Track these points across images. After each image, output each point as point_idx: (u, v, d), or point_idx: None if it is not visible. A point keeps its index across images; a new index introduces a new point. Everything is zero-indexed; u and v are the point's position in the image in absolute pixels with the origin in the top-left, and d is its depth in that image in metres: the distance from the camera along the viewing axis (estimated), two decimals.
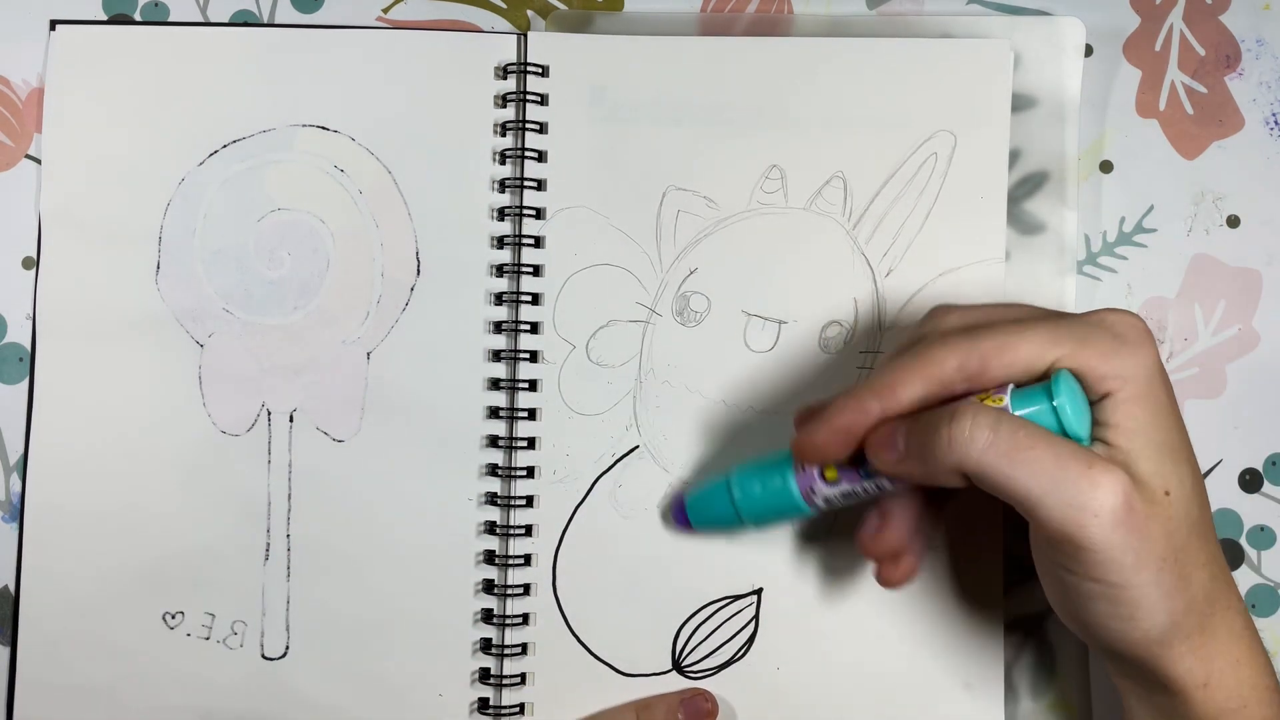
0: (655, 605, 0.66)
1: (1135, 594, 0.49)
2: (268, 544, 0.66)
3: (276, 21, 0.69)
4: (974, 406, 0.49)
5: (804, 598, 0.66)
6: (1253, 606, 0.68)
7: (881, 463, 0.53)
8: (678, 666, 0.66)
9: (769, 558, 0.66)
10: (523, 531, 0.66)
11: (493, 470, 0.66)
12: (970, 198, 0.66)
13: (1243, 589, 0.68)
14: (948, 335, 0.51)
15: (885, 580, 0.57)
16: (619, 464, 0.66)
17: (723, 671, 0.66)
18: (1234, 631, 0.52)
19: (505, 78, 0.67)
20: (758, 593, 0.66)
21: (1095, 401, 0.50)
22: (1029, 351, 0.49)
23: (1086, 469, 0.47)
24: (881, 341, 0.66)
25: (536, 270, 0.66)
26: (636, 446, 0.66)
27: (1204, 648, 0.51)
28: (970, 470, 0.49)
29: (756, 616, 0.66)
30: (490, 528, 0.66)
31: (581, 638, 0.66)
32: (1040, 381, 0.50)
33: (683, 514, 0.63)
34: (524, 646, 0.66)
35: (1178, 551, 0.49)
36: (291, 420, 0.66)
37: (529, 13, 0.69)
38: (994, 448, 0.48)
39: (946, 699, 0.65)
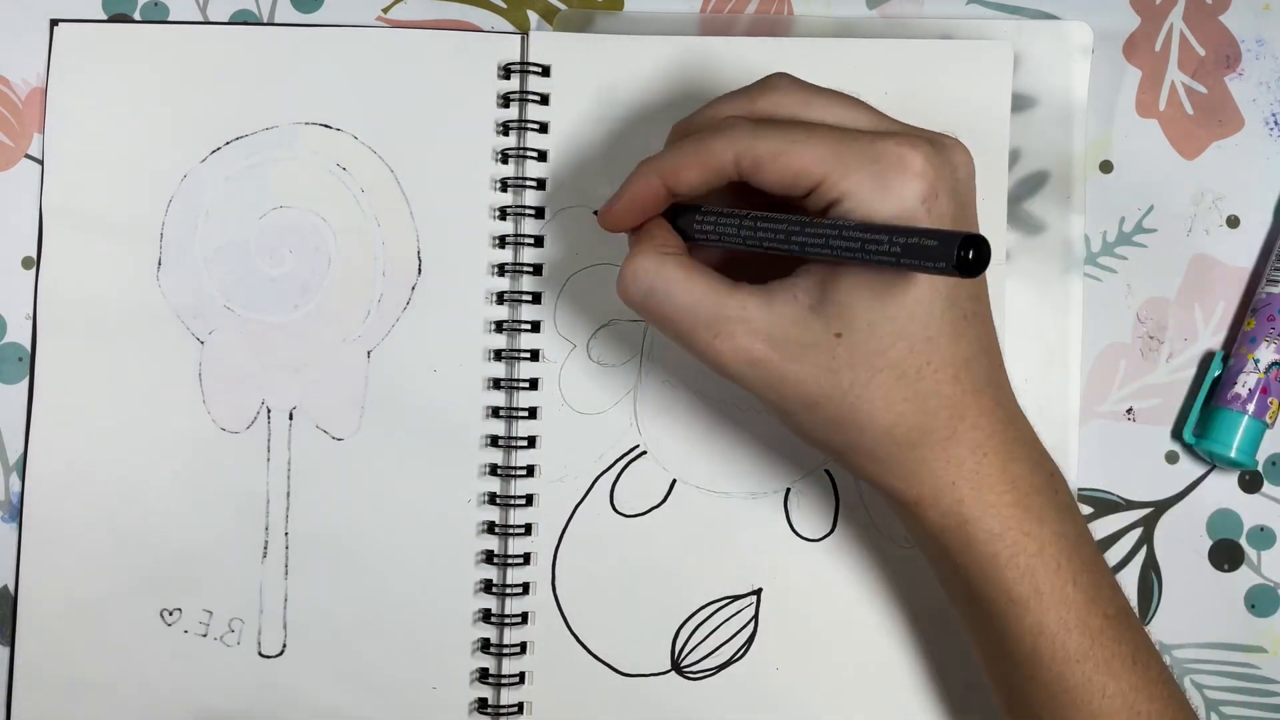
0: (654, 605, 0.66)
1: (790, 421, 0.54)
2: (266, 542, 0.66)
3: (276, 21, 0.68)
4: (638, 257, 0.54)
5: (803, 598, 0.66)
6: (1252, 607, 0.68)
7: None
8: (677, 666, 0.66)
9: (768, 558, 0.66)
10: (522, 531, 0.66)
11: (492, 470, 0.66)
12: None
13: (1243, 589, 0.68)
14: (737, 126, 0.52)
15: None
16: (619, 463, 0.66)
17: (722, 672, 0.66)
18: (950, 458, 0.53)
19: (507, 77, 0.67)
20: (757, 593, 0.66)
21: None
22: (799, 165, 0.49)
23: (711, 337, 0.52)
24: None
25: (537, 269, 0.66)
26: (637, 446, 0.66)
27: (906, 469, 0.53)
28: (633, 309, 0.55)
29: (756, 617, 0.66)
30: (490, 527, 0.66)
31: (580, 637, 0.66)
32: (811, 195, 0.50)
33: None
34: (523, 646, 0.66)
35: (849, 387, 0.51)
36: (291, 418, 0.66)
37: (529, 12, 0.69)
38: (646, 310, 0.54)
39: (946, 700, 0.65)
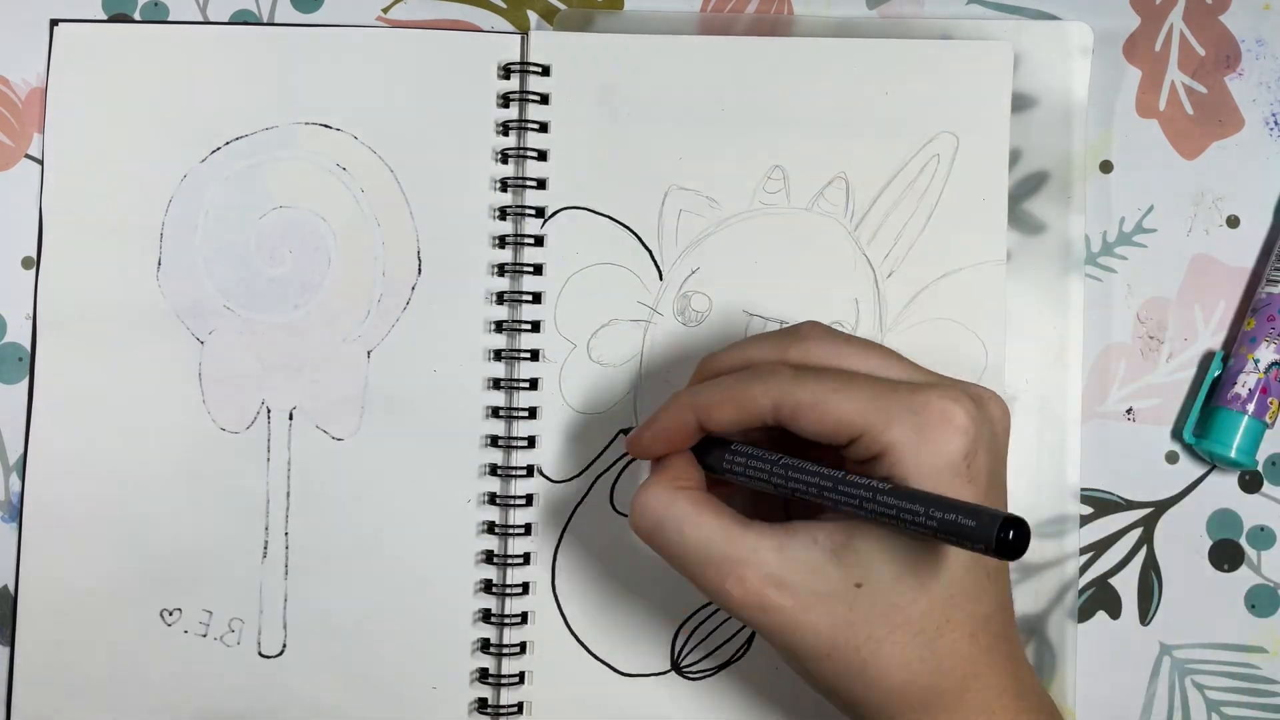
0: (654, 605, 0.66)
1: (801, 668, 0.52)
2: (266, 542, 0.66)
3: (276, 21, 0.68)
4: (651, 493, 0.53)
5: None
6: (1252, 607, 0.68)
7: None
8: (676, 667, 0.66)
9: None
10: (522, 531, 0.66)
11: (493, 470, 0.66)
12: (972, 199, 0.66)
13: (1243, 589, 0.68)
14: (777, 372, 0.51)
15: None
16: (619, 464, 0.66)
17: (721, 672, 0.66)
18: (973, 711, 0.51)
19: (507, 77, 0.67)
20: None
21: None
22: (840, 415, 0.49)
23: (720, 579, 0.50)
24: (882, 343, 0.65)
25: (537, 269, 0.66)
26: None
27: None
28: (643, 540, 0.54)
29: None
30: (490, 527, 0.66)
31: (580, 637, 0.66)
32: (851, 445, 0.50)
33: None
34: (523, 646, 0.66)
35: (865, 639, 0.49)
36: (291, 418, 0.66)
37: (529, 12, 0.69)
38: (654, 544, 0.53)
39: None
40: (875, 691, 0.50)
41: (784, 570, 0.49)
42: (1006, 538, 0.43)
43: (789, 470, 0.51)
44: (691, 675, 0.66)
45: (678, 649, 0.66)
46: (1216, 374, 0.67)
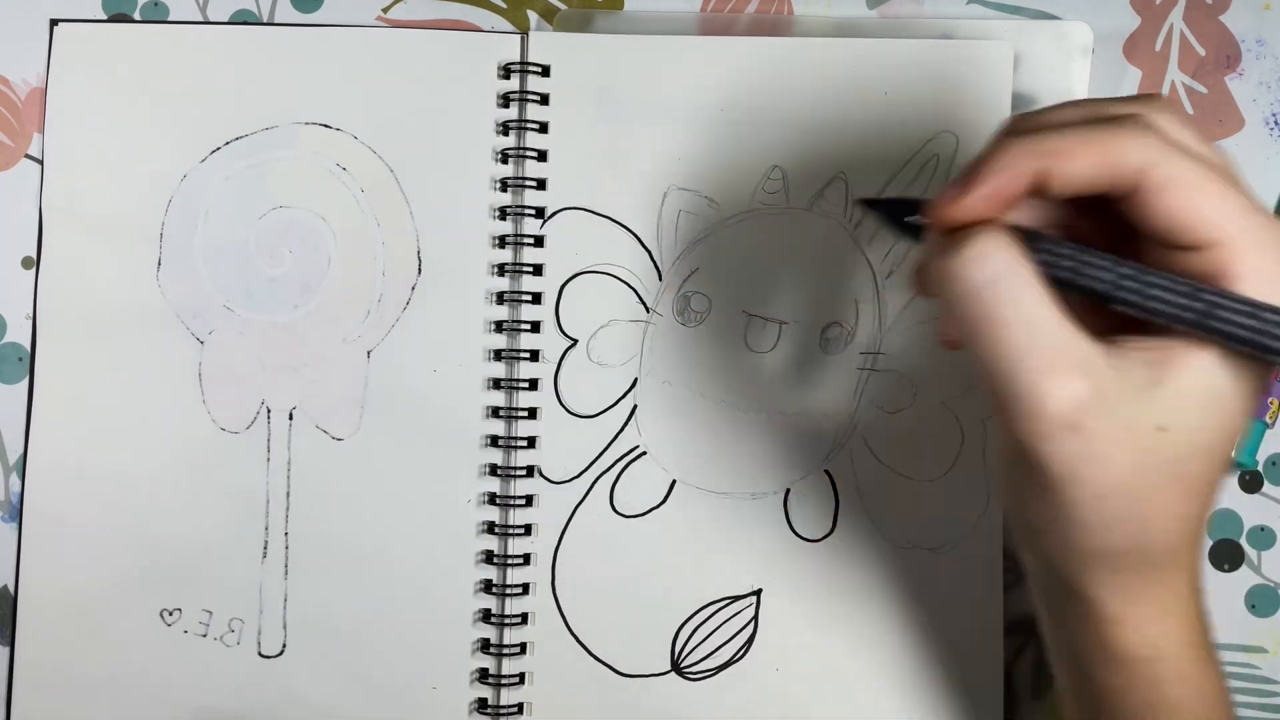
0: (654, 605, 0.66)
1: (1064, 507, 0.45)
2: (266, 541, 0.66)
3: (276, 21, 0.68)
4: (982, 245, 0.43)
5: (803, 599, 0.66)
6: (1252, 607, 0.68)
7: (916, 284, 0.50)
8: (677, 667, 0.66)
9: (768, 558, 0.66)
10: (522, 531, 0.66)
11: (493, 470, 0.66)
12: None
13: (1243, 589, 0.68)
14: (1148, 133, 0.43)
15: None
16: (619, 464, 0.66)
17: (722, 672, 0.66)
18: (1174, 589, 0.47)
19: (507, 77, 0.67)
20: (757, 594, 0.66)
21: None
22: (1206, 213, 0.43)
23: (1048, 372, 0.42)
24: (882, 343, 0.66)
25: (537, 269, 0.66)
26: (637, 446, 0.66)
27: (1137, 589, 0.47)
28: (949, 304, 0.44)
29: (756, 617, 0.66)
30: (490, 527, 0.66)
31: (580, 638, 0.66)
32: (1191, 253, 0.43)
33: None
34: (523, 646, 0.66)
35: (1143, 489, 0.44)
36: (291, 418, 0.66)
37: (529, 12, 0.69)
38: (975, 300, 0.43)
39: (946, 700, 0.65)
40: (1126, 544, 0.45)
41: (1109, 389, 0.43)
42: None
43: (1141, 274, 0.43)
44: (692, 676, 0.66)
45: (677, 649, 0.66)
46: None
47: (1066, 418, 0.42)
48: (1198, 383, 0.43)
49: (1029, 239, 0.44)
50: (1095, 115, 0.45)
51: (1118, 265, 0.43)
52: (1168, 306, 0.42)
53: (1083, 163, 0.43)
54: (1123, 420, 0.43)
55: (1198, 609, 0.49)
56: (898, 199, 0.50)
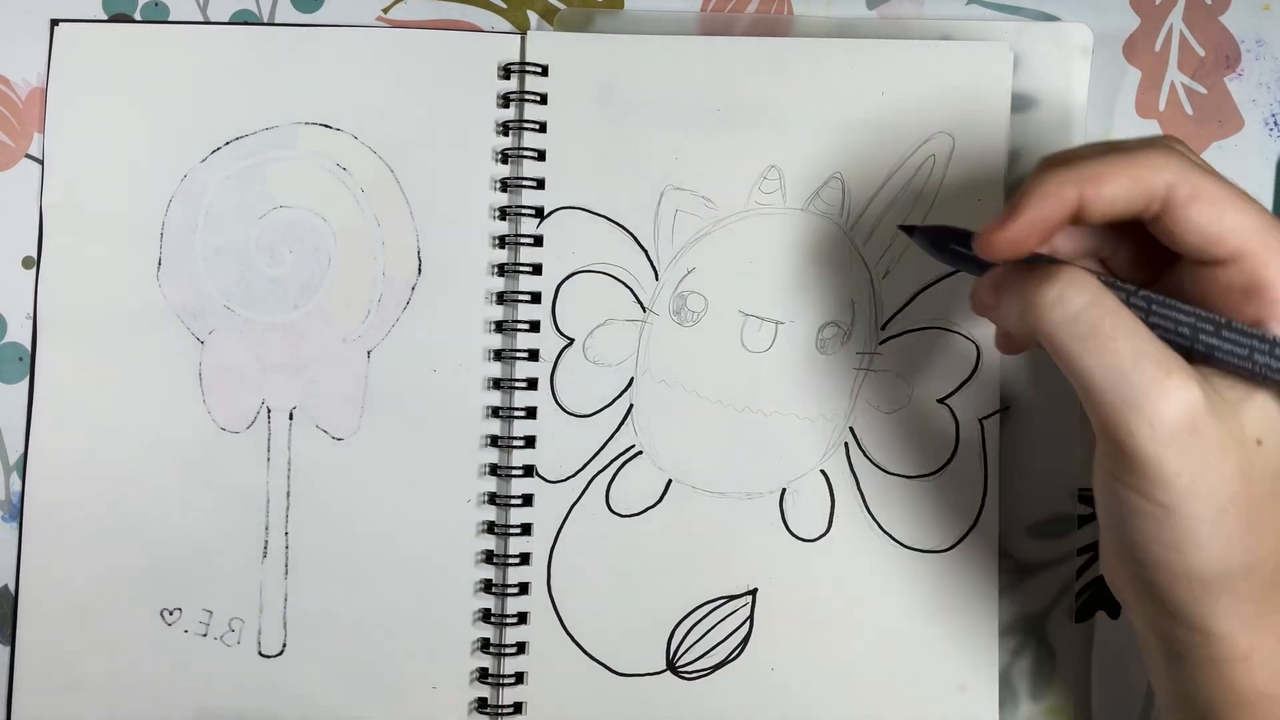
0: (650, 605, 0.66)
1: (1186, 523, 0.45)
2: (266, 541, 0.66)
3: (276, 21, 0.69)
4: (1075, 273, 0.46)
5: (799, 599, 0.66)
6: None
7: (977, 306, 0.51)
8: (672, 666, 0.66)
9: (764, 558, 0.66)
10: (520, 530, 0.66)
11: (492, 470, 0.66)
12: (968, 200, 0.66)
13: None
14: (1175, 153, 0.46)
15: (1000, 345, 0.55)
16: (615, 463, 0.66)
17: (717, 672, 0.66)
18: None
19: (507, 77, 0.67)
20: (753, 593, 0.66)
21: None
22: (1233, 225, 0.45)
23: (1163, 375, 0.44)
24: (878, 343, 0.66)
25: (536, 269, 0.66)
26: (633, 446, 0.66)
27: (1257, 618, 0.46)
28: (1044, 340, 0.47)
29: (751, 617, 0.66)
30: (490, 527, 0.66)
31: (575, 637, 0.66)
32: (1220, 266, 0.46)
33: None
34: (522, 646, 0.66)
35: (1253, 502, 0.45)
36: (291, 418, 0.67)
37: (528, 12, 0.69)
38: (1072, 324, 0.45)
39: (941, 701, 0.65)
40: (1246, 561, 0.45)
41: (1211, 397, 0.44)
42: None
43: (1167, 307, 0.47)
44: (687, 675, 0.66)
45: (673, 649, 0.66)
46: None
47: (1186, 420, 0.44)
48: (1276, 401, 0.46)
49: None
50: (1117, 145, 0.47)
51: (1152, 299, 0.47)
52: (1186, 331, 0.46)
53: (1118, 184, 0.46)
54: (1229, 430, 0.44)
55: None
56: (937, 226, 0.53)
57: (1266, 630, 0.46)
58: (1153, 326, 0.46)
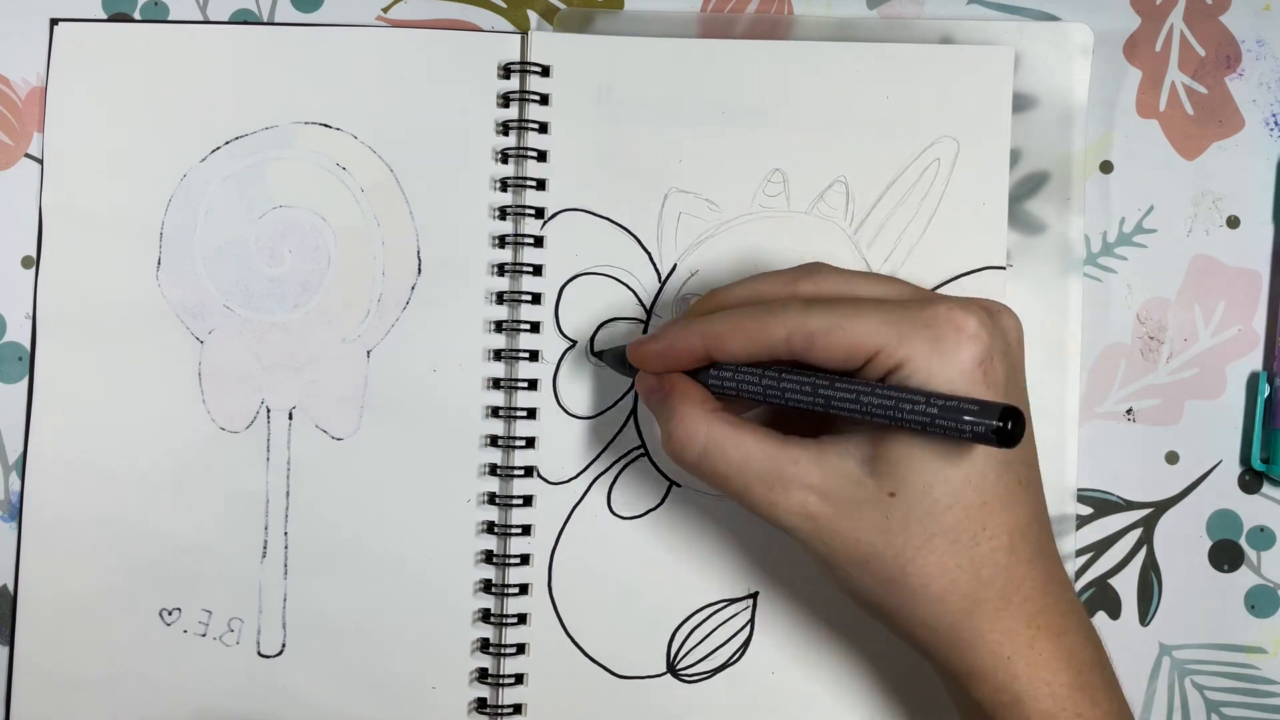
0: (650, 608, 0.66)
1: (841, 575, 0.53)
2: (265, 541, 0.66)
3: (276, 20, 0.68)
4: (688, 424, 0.53)
5: (799, 602, 0.66)
6: (1252, 607, 0.68)
7: (643, 398, 0.58)
8: (672, 669, 0.66)
9: (765, 562, 0.66)
10: (520, 531, 0.66)
11: (492, 470, 0.66)
12: (972, 204, 0.66)
13: (1242, 590, 0.68)
14: (789, 304, 0.52)
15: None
16: (617, 465, 0.66)
17: (717, 675, 0.66)
18: (1006, 631, 0.51)
19: (507, 77, 0.67)
20: (753, 596, 0.66)
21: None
22: (853, 338, 0.50)
23: (767, 492, 0.52)
24: None
25: (537, 270, 0.66)
26: (635, 448, 0.66)
27: (960, 641, 0.52)
28: (685, 470, 0.54)
29: (752, 620, 0.66)
30: (490, 527, 0.66)
31: (576, 638, 0.66)
32: (866, 366, 0.50)
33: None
34: (522, 646, 0.66)
35: (900, 548, 0.50)
36: (291, 418, 0.67)
37: (529, 12, 0.69)
38: (700, 472, 0.54)
39: (939, 705, 0.65)
40: (915, 598, 0.51)
41: (824, 480, 0.51)
42: (1006, 426, 0.45)
43: (781, 377, 0.52)
44: (687, 678, 0.66)
45: (673, 652, 0.66)
46: (1266, 394, 0.67)
47: (798, 514, 0.51)
48: (909, 447, 0.50)
49: (706, 371, 0.55)
50: (755, 297, 0.55)
51: (764, 375, 0.52)
52: (803, 398, 0.51)
53: (737, 343, 0.53)
54: (852, 496, 0.51)
55: (1054, 645, 0.52)
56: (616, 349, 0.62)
57: (980, 650, 0.52)
58: (785, 392, 0.52)
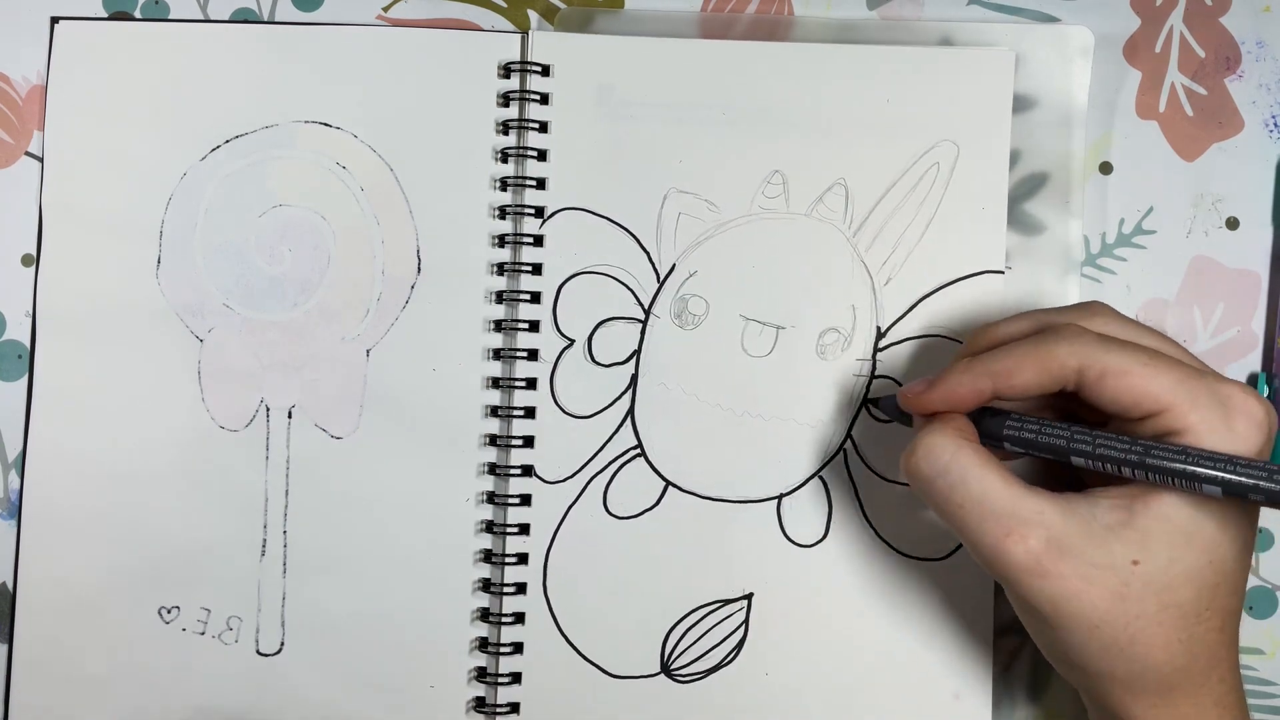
0: (645, 607, 0.66)
1: (1060, 636, 0.52)
2: (264, 540, 0.66)
3: (276, 19, 0.68)
4: (938, 438, 0.53)
5: (794, 604, 0.66)
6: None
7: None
8: (666, 669, 0.66)
9: (760, 562, 0.66)
10: (518, 530, 0.66)
11: (491, 469, 0.66)
12: (971, 208, 0.66)
13: None
14: (1082, 335, 0.52)
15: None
16: (613, 465, 0.66)
17: (711, 675, 0.66)
18: (1198, 705, 0.52)
19: (507, 76, 0.67)
20: (748, 597, 0.66)
21: None
22: (1147, 388, 0.50)
23: (1001, 535, 0.50)
24: (879, 349, 0.66)
25: (536, 269, 0.66)
26: (632, 448, 0.66)
27: (1155, 708, 0.52)
28: (918, 494, 0.54)
29: (746, 621, 0.66)
30: (488, 526, 0.66)
31: (570, 638, 0.66)
32: (1146, 421, 0.51)
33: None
34: (519, 645, 0.66)
35: (1132, 618, 0.50)
36: (290, 416, 0.67)
37: (529, 12, 0.69)
38: (933, 490, 0.53)
39: (935, 708, 0.65)
40: (1134, 667, 0.51)
41: (1067, 536, 0.50)
42: None
43: (1094, 438, 0.51)
44: (681, 678, 0.66)
45: (668, 652, 0.66)
46: (1265, 395, 0.67)
47: (1031, 568, 0.50)
48: (1164, 520, 0.50)
49: (997, 415, 0.54)
50: (1038, 326, 0.55)
51: (1071, 429, 0.52)
52: (1114, 454, 0.50)
53: (1027, 376, 0.52)
54: (1092, 559, 0.50)
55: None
56: (889, 396, 0.61)
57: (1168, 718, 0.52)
58: (1042, 443, 0.52)
